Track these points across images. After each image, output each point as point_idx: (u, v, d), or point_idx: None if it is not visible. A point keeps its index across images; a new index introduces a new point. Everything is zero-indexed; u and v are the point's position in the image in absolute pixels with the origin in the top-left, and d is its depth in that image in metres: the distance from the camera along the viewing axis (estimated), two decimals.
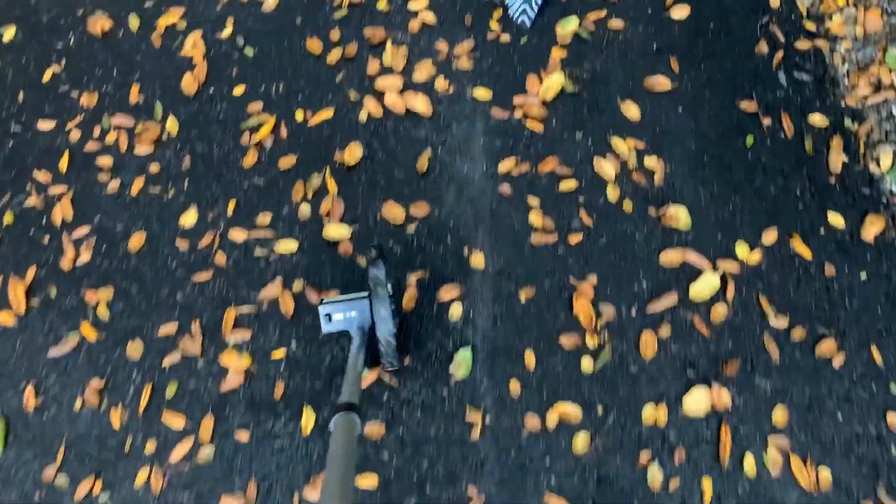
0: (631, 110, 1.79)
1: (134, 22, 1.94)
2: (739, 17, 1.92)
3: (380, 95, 1.82)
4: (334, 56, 1.88)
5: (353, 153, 1.75)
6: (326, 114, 1.81)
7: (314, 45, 1.89)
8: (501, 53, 1.87)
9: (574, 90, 1.81)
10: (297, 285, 1.60)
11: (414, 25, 1.92)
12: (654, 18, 1.92)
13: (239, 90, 1.84)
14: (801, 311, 1.55)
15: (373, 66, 1.86)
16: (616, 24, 1.91)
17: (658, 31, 1.90)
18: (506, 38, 1.90)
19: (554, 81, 1.80)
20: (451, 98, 1.81)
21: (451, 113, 1.79)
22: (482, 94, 1.81)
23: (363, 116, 1.80)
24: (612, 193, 1.70)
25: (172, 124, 1.80)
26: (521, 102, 1.80)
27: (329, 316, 1.37)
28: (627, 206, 1.68)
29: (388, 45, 1.89)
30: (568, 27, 1.89)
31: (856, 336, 1.52)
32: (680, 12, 1.92)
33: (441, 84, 1.83)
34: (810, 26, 1.90)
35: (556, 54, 1.87)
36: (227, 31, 1.92)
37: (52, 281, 1.64)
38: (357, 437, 1.08)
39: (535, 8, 1.91)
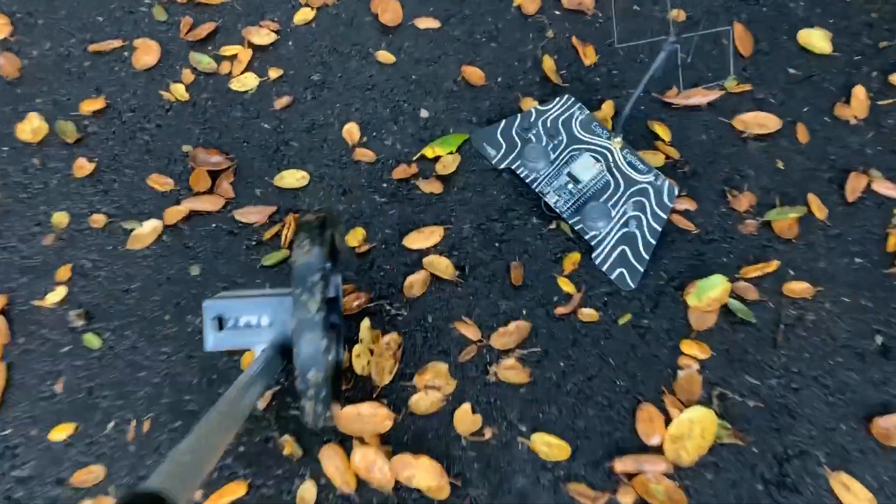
0: (852, 494, 0.95)
1: None
2: None
3: (346, 442, 0.99)
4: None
5: None
6: (236, 490, 0.97)
7: None
8: (583, 348, 1.07)
9: (732, 439, 0.98)
10: None
11: (413, 284, 1.10)
12: (874, 280, 1.10)
13: (60, 433, 1.01)
14: None
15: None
16: (799, 288, 1.09)
17: (880, 304, 1.08)
18: (590, 314, 1.08)
19: (696, 422, 0.98)
20: (489, 453, 0.99)
21: (491, 490, 0.96)
22: (550, 447, 0.98)
23: (307, 498, 0.96)
24: None
25: None
26: (629, 469, 0.97)
27: (220, 320, 0.90)
28: None
29: (365, 325, 1.06)
30: (709, 294, 1.07)
31: None
32: None
33: (466, 421, 1.00)
34: None
35: (692, 353, 1.05)
36: (56, 295, 1.10)
37: None
38: None
39: (646, 255, 1.10)
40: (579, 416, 1.03)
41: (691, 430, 0.99)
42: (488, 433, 1.02)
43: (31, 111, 1.28)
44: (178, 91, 1.29)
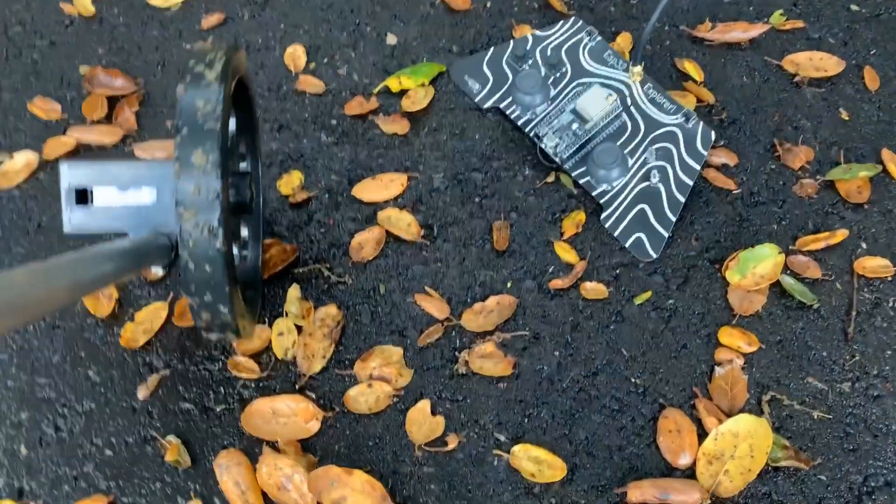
0: None
1: None
2: None
3: (254, 449, 0.73)
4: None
5: None
6: None
7: None
8: (586, 334, 0.83)
9: (793, 462, 0.72)
10: None
11: (363, 244, 0.85)
12: None
13: None
14: None
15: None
16: (874, 265, 0.85)
17: None
18: (596, 289, 0.83)
19: (743, 436, 0.73)
20: (452, 471, 0.73)
21: None
22: (538, 465, 0.72)
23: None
24: None
25: None
26: (648, 499, 0.71)
27: (85, 193, 0.66)
28: None
29: (293, 295, 0.81)
30: (756, 269, 0.82)
31: None
32: None
33: (423, 425, 0.74)
34: None
35: (734, 344, 0.80)
36: None
37: None
38: None
39: (672, 217, 0.85)
40: (579, 424, 0.77)
41: (735, 447, 0.73)
42: (453, 442, 0.75)
43: None
44: (83, 4, 1.06)
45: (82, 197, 0.66)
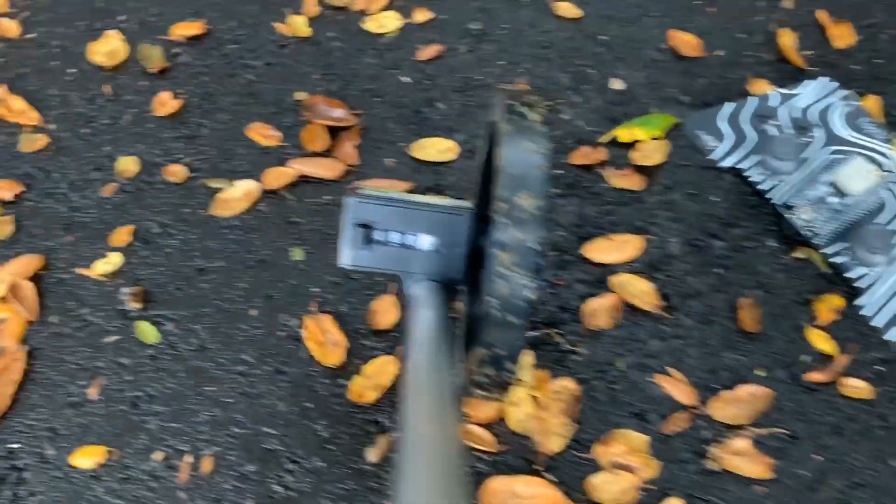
0: None
1: None
2: None
3: None
4: None
5: None
6: None
7: None
8: (848, 438, 0.76)
9: None
10: None
11: (597, 311, 0.79)
12: None
13: (86, 458, 0.72)
14: None
15: None
16: None
17: None
18: (858, 387, 0.76)
19: None
20: None
21: None
22: None
23: None
24: None
25: None
26: None
27: (368, 229, 0.63)
28: None
29: (526, 361, 0.75)
30: None
31: None
32: None
33: None
34: None
35: None
36: (107, 264, 0.82)
37: None
38: None
39: None
40: None
41: None
42: None
43: (111, 30, 1.02)
44: (298, 25, 1.02)
45: (367, 232, 0.63)
